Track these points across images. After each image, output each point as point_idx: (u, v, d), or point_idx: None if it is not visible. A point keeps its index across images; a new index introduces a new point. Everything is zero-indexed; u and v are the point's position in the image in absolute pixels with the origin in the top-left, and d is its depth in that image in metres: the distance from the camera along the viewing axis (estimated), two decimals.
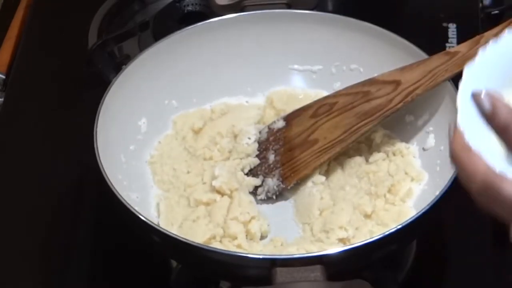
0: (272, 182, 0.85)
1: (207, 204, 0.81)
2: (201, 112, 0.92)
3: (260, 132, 0.89)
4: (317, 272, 0.66)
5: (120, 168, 0.83)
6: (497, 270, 0.83)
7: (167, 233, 0.71)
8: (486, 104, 0.54)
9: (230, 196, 0.81)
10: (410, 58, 0.84)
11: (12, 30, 1.15)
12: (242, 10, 1.06)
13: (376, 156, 0.85)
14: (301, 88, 0.95)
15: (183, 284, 0.83)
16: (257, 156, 0.88)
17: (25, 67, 1.09)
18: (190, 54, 0.92)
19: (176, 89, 0.92)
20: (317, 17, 0.93)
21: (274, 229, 0.82)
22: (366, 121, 0.83)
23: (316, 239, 0.78)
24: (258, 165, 0.87)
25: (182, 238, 0.71)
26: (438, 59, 0.80)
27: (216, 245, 0.77)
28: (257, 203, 0.84)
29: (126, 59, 0.98)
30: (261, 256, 0.70)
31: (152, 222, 0.72)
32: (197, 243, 0.71)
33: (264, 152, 0.88)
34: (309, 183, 0.84)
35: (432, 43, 0.99)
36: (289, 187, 0.85)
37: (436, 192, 0.73)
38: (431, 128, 0.85)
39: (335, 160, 0.86)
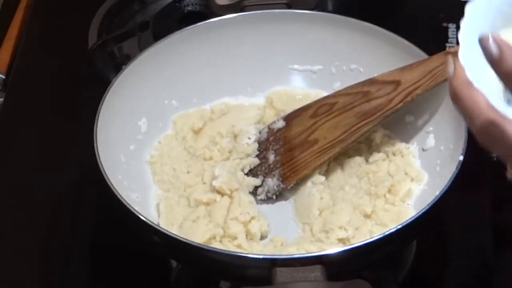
0: (272, 182, 0.85)
1: (207, 204, 0.81)
2: (201, 112, 0.92)
3: (260, 132, 0.89)
4: (317, 272, 0.66)
5: (120, 168, 0.83)
6: (497, 270, 0.83)
7: (167, 233, 0.71)
8: (494, 49, 0.53)
9: (230, 196, 0.81)
10: (410, 58, 0.84)
11: (12, 30, 1.15)
12: (242, 10, 1.06)
13: (376, 156, 0.85)
14: (301, 88, 0.95)
15: (183, 284, 0.83)
16: (257, 156, 0.88)
17: (25, 67, 1.09)
18: (190, 54, 0.92)
19: (176, 89, 0.92)
20: (317, 17, 0.93)
21: (274, 229, 0.82)
22: (366, 121, 0.83)
23: (316, 239, 0.78)
24: (258, 165, 0.87)
25: (182, 238, 0.71)
26: (438, 59, 0.80)
27: (216, 245, 0.77)
28: (257, 203, 0.84)
29: (126, 59, 0.98)
30: (261, 256, 0.70)
31: (152, 222, 0.72)
32: (197, 243, 0.71)
33: (264, 152, 0.88)
34: (309, 183, 0.84)
35: (432, 43, 0.99)
36: (289, 187, 0.85)
37: (436, 192, 0.73)
38: (431, 128, 0.85)
39: (335, 160, 0.86)
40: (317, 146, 0.85)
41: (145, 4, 1.16)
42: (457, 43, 0.55)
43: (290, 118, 0.89)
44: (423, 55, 0.84)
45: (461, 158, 0.75)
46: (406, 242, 0.80)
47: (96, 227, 0.90)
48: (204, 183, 0.84)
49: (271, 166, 0.86)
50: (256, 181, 0.85)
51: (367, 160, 0.86)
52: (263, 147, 0.88)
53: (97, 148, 0.78)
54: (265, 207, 0.85)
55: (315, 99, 0.89)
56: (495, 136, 0.54)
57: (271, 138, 0.88)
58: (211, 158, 0.87)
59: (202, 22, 0.93)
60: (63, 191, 0.93)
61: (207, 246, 0.74)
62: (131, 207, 0.72)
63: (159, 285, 0.84)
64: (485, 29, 0.54)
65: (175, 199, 0.83)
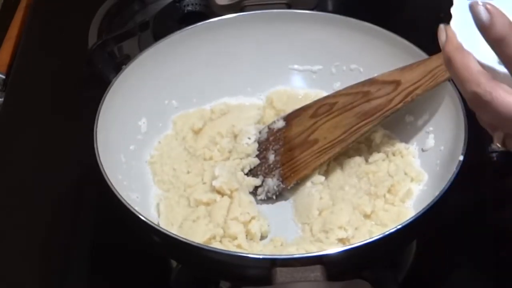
0: (272, 182, 0.85)
1: (207, 204, 0.81)
2: (201, 112, 0.92)
3: (260, 132, 0.89)
4: (317, 272, 0.66)
5: (120, 168, 0.83)
6: (497, 270, 0.83)
7: (167, 233, 0.71)
8: (483, 14, 0.53)
9: (230, 196, 0.81)
10: (410, 58, 0.84)
11: (12, 30, 1.15)
12: (242, 10, 1.06)
13: (376, 156, 0.85)
14: (301, 88, 0.95)
15: (183, 284, 0.83)
16: (257, 156, 0.88)
17: (25, 67, 1.09)
18: (190, 54, 0.92)
19: (176, 89, 0.92)
20: (317, 17, 0.93)
21: (274, 229, 0.82)
22: (366, 121, 0.83)
23: (316, 239, 0.78)
24: (258, 165, 0.87)
25: (182, 238, 0.71)
26: (438, 59, 0.80)
27: (216, 245, 0.77)
28: (257, 203, 0.84)
29: (126, 59, 0.98)
30: (261, 256, 0.70)
31: (152, 222, 0.72)
32: (197, 243, 0.71)
33: (264, 152, 0.88)
34: (309, 183, 0.84)
35: (432, 43, 0.99)
36: (289, 187, 0.85)
37: (435, 192, 0.73)
38: (431, 128, 0.85)
39: (334, 160, 0.86)
40: (317, 146, 0.85)
41: (145, 4, 1.16)
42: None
43: (290, 118, 0.89)
44: (423, 55, 0.84)
45: (461, 158, 0.75)
46: (406, 242, 0.80)
47: (96, 227, 0.90)
48: (204, 183, 0.84)
49: (271, 166, 0.86)
50: (256, 181, 0.85)
51: (367, 160, 0.86)
52: (263, 147, 0.88)
53: (97, 148, 0.78)
54: (265, 207, 0.85)
55: (315, 99, 0.89)
56: (484, 101, 0.55)
57: (271, 138, 0.88)
58: (211, 158, 0.87)
59: (202, 22, 0.93)
60: (63, 191, 0.93)
61: (207, 246, 0.74)
62: (131, 207, 0.72)
63: (159, 285, 0.84)
64: None
65: (175, 199, 0.83)
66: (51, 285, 0.85)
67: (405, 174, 0.83)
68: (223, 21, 0.93)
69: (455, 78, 0.57)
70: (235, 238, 0.78)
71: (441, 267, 0.84)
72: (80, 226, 0.89)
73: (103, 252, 0.87)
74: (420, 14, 1.13)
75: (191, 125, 0.90)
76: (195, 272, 0.83)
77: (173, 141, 0.90)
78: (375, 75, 0.85)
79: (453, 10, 0.57)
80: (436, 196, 0.72)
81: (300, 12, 0.95)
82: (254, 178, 0.86)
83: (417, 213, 0.71)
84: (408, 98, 0.81)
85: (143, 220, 0.72)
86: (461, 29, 0.56)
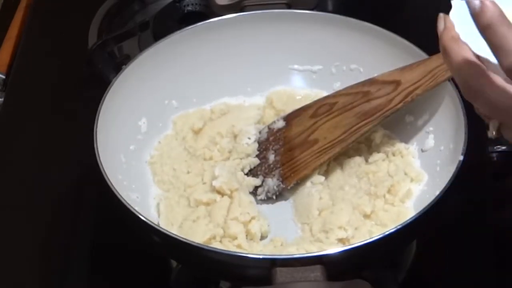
0: (272, 182, 0.85)
1: (207, 204, 0.81)
2: (201, 112, 0.92)
3: (260, 132, 0.89)
4: (317, 272, 0.66)
5: (120, 168, 0.83)
6: (497, 270, 0.83)
7: (167, 233, 0.71)
8: (476, 2, 0.54)
9: (230, 196, 0.81)
10: (410, 58, 0.84)
11: (12, 30, 1.15)
12: (242, 10, 1.06)
13: (376, 157, 0.85)
14: (301, 88, 0.95)
15: (183, 284, 0.83)
16: (257, 156, 0.88)
17: (25, 67, 1.09)
18: (190, 54, 0.92)
19: (176, 89, 0.92)
20: (317, 17, 0.93)
21: (274, 229, 0.82)
22: (366, 121, 0.83)
23: (316, 239, 0.78)
24: (258, 165, 0.87)
25: (182, 238, 0.71)
26: (438, 59, 0.80)
27: (216, 245, 0.77)
28: (257, 203, 0.84)
29: (126, 59, 0.98)
30: (261, 256, 0.70)
31: (152, 222, 0.72)
32: (197, 243, 0.71)
33: (264, 152, 0.88)
34: (308, 183, 0.84)
35: (432, 43, 0.99)
36: (289, 187, 0.85)
37: (435, 192, 0.73)
38: (431, 129, 0.85)
39: (334, 160, 0.86)
40: (317, 146, 0.85)
41: (145, 4, 1.16)
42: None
43: (290, 118, 0.89)
44: (423, 55, 0.84)
45: (461, 158, 0.75)
46: (406, 242, 0.80)
47: (96, 227, 0.90)
48: (204, 183, 0.84)
49: (271, 166, 0.86)
50: (256, 181, 0.85)
51: (366, 160, 0.86)
52: (263, 147, 0.88)
53: (97, 148, 0.78)
54: (265, 207, 0.85)
55: (315, 99, 0.89)
56: (478, 91, 0.56)
57: (271, 138, 0.88)
58: (211, 158, 0.87)
59: (202, 22, 0.93)
60: (63, 191, 0.93)
61: (207, 246, 0.74)
62: (131, 207, 0.73)
63: (159, 285, 0.84)
64: None
65: (175, 199, 0.83)
66: (51, 285, 0.85)
67: (405, 174, 0.83)
68: (223, 21, 0.93)
69: (450, 68, 0.57)
70: (235, 238, 0.78)
71: (441, 267, 0.84)
72: (80, 226, 0.89)
73: (103, 252, 0.87)
74: (420, 14, 1.13)
75: (191, 125, 0.90)
76: (195, 272, 0.83)
77: (173, 141, 0.90)
78: (375, 75, 0.85)
79: (453, 1, 0.57)
80: (436, 196, 0.72)
81: (300, 12, 0.95)
82: (254, 178, 0.85)
83: (417, 213, 0.71)
84: (408, 98, 0.81)
85: (143, 220, 0.72)
86: (460, 20, 0.57)
